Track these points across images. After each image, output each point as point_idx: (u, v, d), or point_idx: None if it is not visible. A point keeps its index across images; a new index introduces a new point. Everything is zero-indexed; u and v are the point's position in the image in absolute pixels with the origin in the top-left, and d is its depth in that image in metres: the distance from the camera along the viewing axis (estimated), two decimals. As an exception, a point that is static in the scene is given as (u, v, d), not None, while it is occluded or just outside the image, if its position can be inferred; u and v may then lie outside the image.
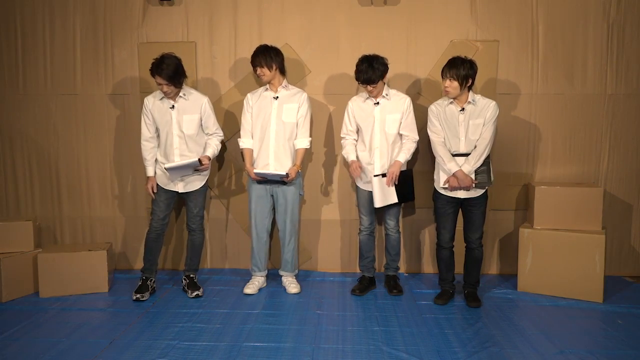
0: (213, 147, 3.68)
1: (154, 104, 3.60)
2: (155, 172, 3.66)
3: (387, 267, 3.90)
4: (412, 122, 3.64)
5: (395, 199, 3.61)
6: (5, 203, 4.30)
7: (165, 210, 3.68)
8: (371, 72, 3.45)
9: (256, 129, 3.69)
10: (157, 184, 3.67)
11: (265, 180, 3.68)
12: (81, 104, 4.20)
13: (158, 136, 3.66)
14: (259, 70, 3.63)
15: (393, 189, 3.60)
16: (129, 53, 4.15)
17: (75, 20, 4.14)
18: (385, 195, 3.59)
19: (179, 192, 3.66)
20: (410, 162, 3.90)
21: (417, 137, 3.65)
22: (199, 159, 3.54)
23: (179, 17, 4.11)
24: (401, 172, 3.61)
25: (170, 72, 3.42)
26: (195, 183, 3.69)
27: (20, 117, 4.23)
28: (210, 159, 3.64)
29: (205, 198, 3.83)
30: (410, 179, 3.71)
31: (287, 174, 3.59)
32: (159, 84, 3.47)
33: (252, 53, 3.66)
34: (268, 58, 3.60)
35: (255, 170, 3.64)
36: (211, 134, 3.71)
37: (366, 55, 3.52)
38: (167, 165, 3.51)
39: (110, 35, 4.14)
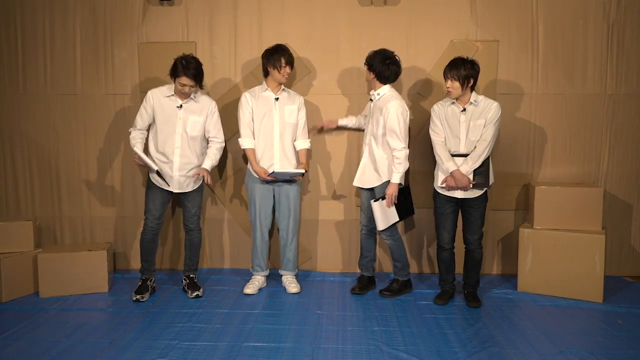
0: (211, 159, 3.62)
1: (159, 99, 3.55)
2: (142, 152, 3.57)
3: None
4: (394, 126, 3.43)
5: (396, 218, 3.58)
6: (5, 203, 4.30)
7: (161, 209, 3.65)
8: (371, 55, 3.55)
9: (259, 129, 3.66)
10: (152, 181, 3.61)
11: (271, 180, 3.66)
12: (81, 104, 4.20)
13: (147, 130, 3.63)
14: (288, 69, 3.61)
15: (393, 208, 3.56)
16: (129, 53, 4.14)
17: (75, 20, 4.14)
18: (387, 216, 3.56)
19: (174, 191, 3.62)
20: (410, 164, 3.89)
21: (401, 146, 3.45)
22: (202, 173, 3.54)
23: (179, 17, 4.11)
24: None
25: (197, 72, 3.44)
26: (190, 184, 3.64)
27: (20, 117, 4.23)
28: (208, 172, 3.58)
29: (202, 197, 3.80)
30: (408, 194, 3.66)
31: (306, 170, 3.66)
32: (183, 85, 3.43)
33: (271, 51, 3.60)
34: (292, 58, 3.65)
35: (276, 170, 3.58)
36: (212, 137, 3.65)
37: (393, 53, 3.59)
38: (141, 154, 3.43)
39: (110, 35, 4.14)
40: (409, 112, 3.56)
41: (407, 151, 3.50)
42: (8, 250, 3.74)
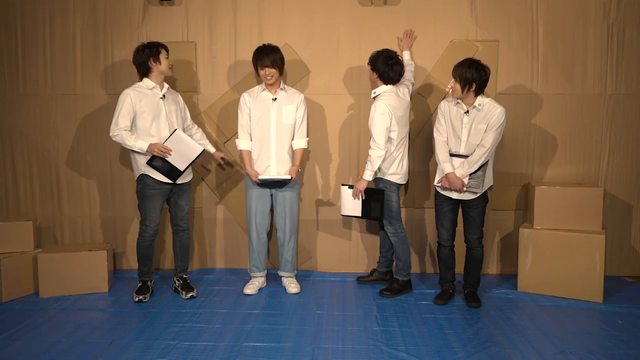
0: (206, 140, 3.88)
1: (144, 93, 3.50)
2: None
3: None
4: (370, 126, 3.48)
5: (358, 213, 3.63)
6: (5, 203, 4.30)
7: (160, 214, 3.64)
8: (375, 55, 3.54)
9: (255, 131, 3.66)
10: (151, 182, 3.54)
11: (265, 182, 3.67)
12: (81, 104, 4.20)
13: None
14: (267, 71, 3.56)
15: (359, 203, 3.59)
16: (129, 53, 4.12)
17: (75, 20, 4.14)
18: (350, 206, 3.64)
19: (176, 184, 3.59)
20: (410, 164, 3.88)
21: (374, 144, 3.45)
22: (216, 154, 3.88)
23: (179, 17, 4.11)
24: (370, 189, 3.57)
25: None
26: (187, 175, 3.68)
27: (20, 117, 4.23)
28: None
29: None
30: (379, 198, 3.57)
31: (291, 177, 3.61)
32: (167, 56, 3.57)
33: (255, 52, 3.61)
34: (277, 59, 3.57)
35: (260, 177, 3.62)
36: (191, 125, 3.81)
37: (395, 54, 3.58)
38: (180, 132, 3.50)
39: (110, 35, 4.14)
40: (392, 114, 3.46)
41: (382, 152, 3.46)
42: (8, 250, 3.74)
